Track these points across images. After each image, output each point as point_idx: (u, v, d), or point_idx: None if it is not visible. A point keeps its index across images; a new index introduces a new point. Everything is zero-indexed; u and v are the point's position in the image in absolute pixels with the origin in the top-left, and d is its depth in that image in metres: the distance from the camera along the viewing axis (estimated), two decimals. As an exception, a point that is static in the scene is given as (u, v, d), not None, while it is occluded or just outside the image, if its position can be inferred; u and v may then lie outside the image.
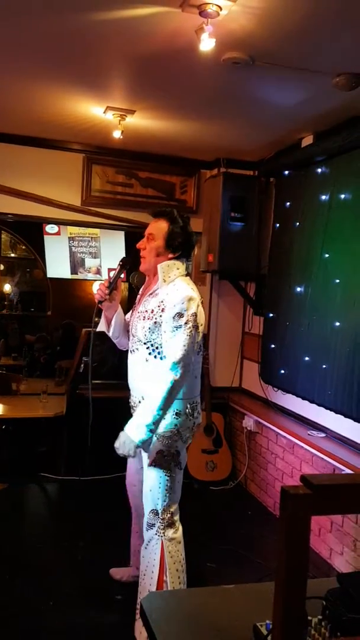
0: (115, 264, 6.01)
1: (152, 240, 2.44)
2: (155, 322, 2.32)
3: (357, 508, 0.72)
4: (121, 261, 2.54)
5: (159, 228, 2.44)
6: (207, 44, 2.08)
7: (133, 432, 2.23)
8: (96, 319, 2.59)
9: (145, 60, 2.54)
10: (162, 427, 2.35)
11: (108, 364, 4.78)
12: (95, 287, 2.53)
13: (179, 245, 2.44)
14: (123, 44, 2.38)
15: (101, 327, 2.60)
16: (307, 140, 3.57)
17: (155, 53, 2.44)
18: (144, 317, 2.38)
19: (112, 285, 2.49)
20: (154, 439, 2.34)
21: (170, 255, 2.43)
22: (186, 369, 2.24)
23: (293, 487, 0.65)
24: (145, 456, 2.42)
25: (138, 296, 2.59)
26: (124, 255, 4.88)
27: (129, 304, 4.90)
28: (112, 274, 2.57)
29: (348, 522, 3.04)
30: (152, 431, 2.23)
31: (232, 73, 2.58)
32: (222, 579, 2.98)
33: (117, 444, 2.27)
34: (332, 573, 3.03)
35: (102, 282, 2.50)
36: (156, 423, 2.23)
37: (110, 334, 2.60)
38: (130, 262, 2.57)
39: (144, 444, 2.25)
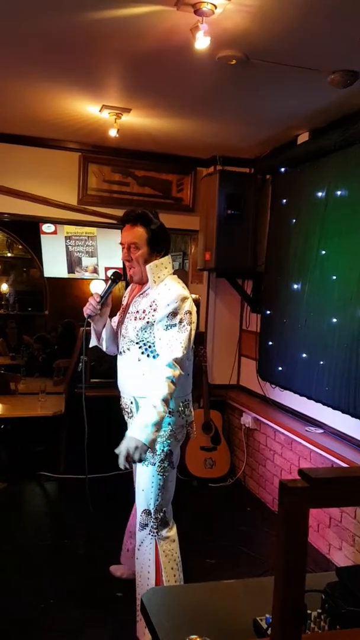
0: (111, 262, 6.02)
1: (136, 249, 2.37)
2: (147, 322, 2.31)
3: (354, 501, 0.73)
4: (112, 276, 2.45)
5: (139, 235, 2.36)
6: (202, 42, 2.08)
7: (138, 432, 2.13)
8: (87, 328, 2.52)
9: (141, 59, 2.55)
10: None
11: (106, 362, 4.79)
12: (93, 286, 2.50)
13: (162, 246, 2.41)
14: (118, 42, 2.38)
15: (92, 342, 2.55)
16: (303, 137, 3.58)
17: (150, 52, 2.44)
18: (135, 317, 2.36)
19: (103, 300, 2.42)
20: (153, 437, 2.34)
21: (157, 257, 2.40)
22: (183, 366, 2.24)
23: (291, 481, 0.66)
24: None
25: (126, 298, 2.56)
26: (119, 258, 4.89)
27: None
28: (109, 273, 2.54)
29: (347, 518, 3.05)
30: (158, 429, 2.16)
31: (227, 71, 2.59)
32: (222, 575, 2.99)
33: (124, 450, 2.11)
34: (332, 568, 3.04)
35: (94, 295, 2.42)
36: (160, 420, 2.16)
37: (100, 347, 2.54)
38: (122, 276, 2.52)
39: (151, 443, 2.15)
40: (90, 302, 2.40)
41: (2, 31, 2.36)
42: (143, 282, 2.43)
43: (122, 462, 2.12)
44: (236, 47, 2.36)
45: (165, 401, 2.16)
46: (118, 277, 2.48)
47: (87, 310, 2.41)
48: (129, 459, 2.11)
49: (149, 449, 2.15)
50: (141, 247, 2.37)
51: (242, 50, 2.38)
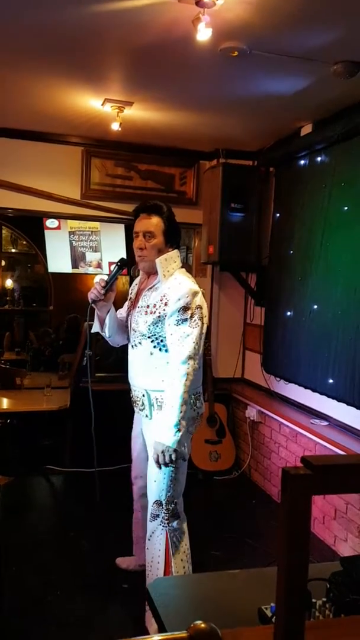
0: (115, 257, 6.02)
1: (151, 238, 2.38)
2: (158, 316, 2.31)
3: (356, 488, 0.74)
4: (119, 262, 2.46)
5: (156, 225, 2.39)
6: (204, 34, 2.07)
7: (164, 437, 2.23)
8: (90, 322, 2.55)
9: (143, 52, 2.54)
10: None
11: (112, 356, 4.81)
12: (97, 281, 2.45)
13: (175, 239, 2.45)
14: (120, 35, 2.38)
15: (95, 327, 2.56)
16: (307, 129, 3.57)
17: (152, 44, 2.44)
18: (146, 311, 2.37)
19: (109, 286, 2.42)
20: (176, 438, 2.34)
21: (169, 250, 2.42)
22: (197, 361, 2.27)
23: (294, 468, 0.67)
24: (150, 448, 2.43)
25: (134, 291, 2.57)
26: (124, 249, 4.88)
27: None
28: (112, 268, 2.52)
29: (352, 509, 3.06)
30: (180, 429, 2.22)
31: (229, 63, 2.57)
32: (227, 567, 2.99)
33: (154, 457, 2.28)
34: (337, 560, 3.05)
35: (99, 280, 2.43)
36: (182, 421, 2.23)
37: (103, 334, 2.55)
38: (129, 263, 2.52)
39: (179, 445, 2.24)
40: (95, 287, 2.42)
41: (3, 25, 2.36)
42: (152, 272, 2.44)
43: (157, 467, 2.30)
44: (238, 39, 2.35)
45: (184, 400, 2.22)
46: (124, 263, 2.48)
47: (91, 294, 2.44)
48: (159, 462, 2.26)
49: (176, 450, 2.25)
50: (156, 237, 2.39)
51: (244, 41, 2.37)
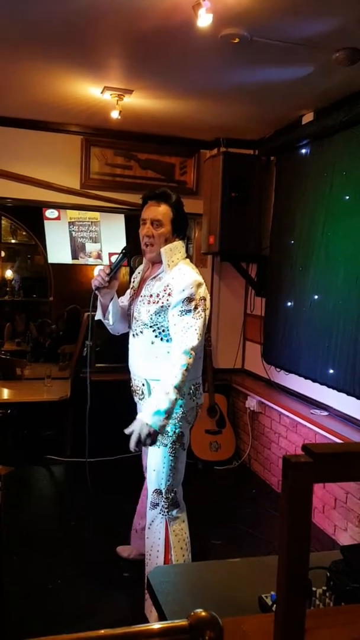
0: (115, 248, 6.00)
1: (159, 226, 2.35)
2: (162, 306, 2.31)
3: (357, 476, 0.73)
4: (123, 250, 2.43)
5: (164, 213, 2.36)
6: (204, 19, 2.05)
7: (150, 418, 2.16)
8: (92, 313, 2.53)
9: (143, 38, 2.51)
10: None
11: (112, 347, 4.80)
12: (97, 272, 2.43)
13: (183, 229, 2.43)
14: (119, 21, 2.35)
15: (97, 315, 2.55)
16: (308, 118, 3.54)
17: (152, 30, 2.41)
18: (149, 301, 2.36)
19: (113, 273, 2.40)
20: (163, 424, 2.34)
21: (175, 240, 2.41)
22: (198, 353, 2.26)
23: (295, 456, 0.67)
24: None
25: (137, 280, 2.56)
26: (124, 240, 4.86)
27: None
28: (113, 259, 2.51)
29: (352, 499, 3.07)
30: (168, 416, 2.19)
31: (230, 50, 2.54)
32: (228, 556, 3.01)
33: (135, 435, 2.17)
34: (337, 549, 3.06)
35: (103, 268, 2.41)
36: (172, 407, 2.19)
37: (105, 321, 2.54)
38: (132, 250, 2.49)
39: (162, 429, 2.20)
40: (99, 274, 2.40)
41: (1, 13, 2.32)
42: (156, 261, 2.42)
43: (132, 446, 2.20)
44: (239, 25, 2.32)
45: (179, 389, 2.19)
46: (128, 250, 2.45)
47: (95, 281, 2.41)
48: (140, 443, 2.18)
49: (158, 434, 2.20)
50: (164, 225, 2.36)
51: (245, 28, 2.34)
